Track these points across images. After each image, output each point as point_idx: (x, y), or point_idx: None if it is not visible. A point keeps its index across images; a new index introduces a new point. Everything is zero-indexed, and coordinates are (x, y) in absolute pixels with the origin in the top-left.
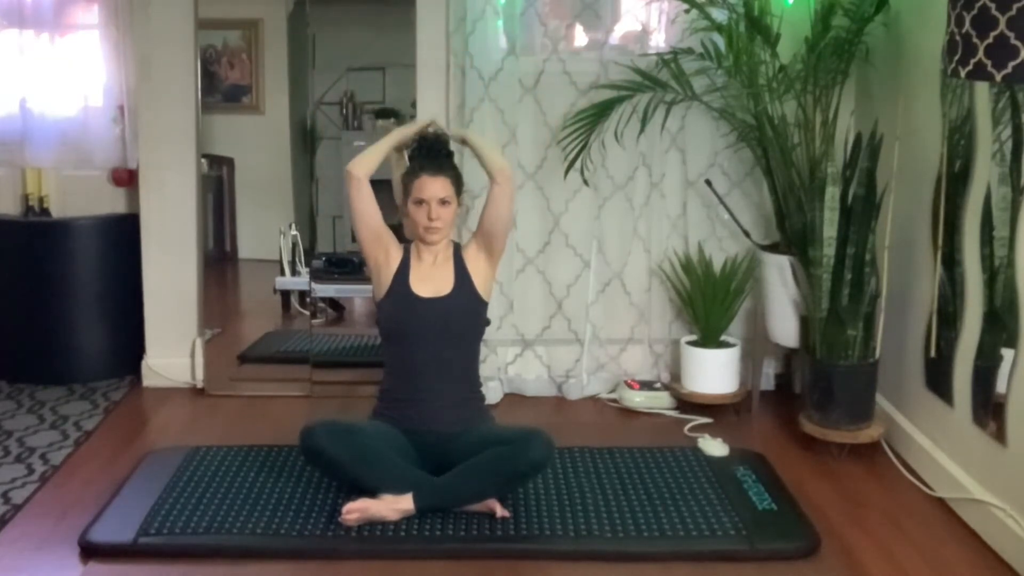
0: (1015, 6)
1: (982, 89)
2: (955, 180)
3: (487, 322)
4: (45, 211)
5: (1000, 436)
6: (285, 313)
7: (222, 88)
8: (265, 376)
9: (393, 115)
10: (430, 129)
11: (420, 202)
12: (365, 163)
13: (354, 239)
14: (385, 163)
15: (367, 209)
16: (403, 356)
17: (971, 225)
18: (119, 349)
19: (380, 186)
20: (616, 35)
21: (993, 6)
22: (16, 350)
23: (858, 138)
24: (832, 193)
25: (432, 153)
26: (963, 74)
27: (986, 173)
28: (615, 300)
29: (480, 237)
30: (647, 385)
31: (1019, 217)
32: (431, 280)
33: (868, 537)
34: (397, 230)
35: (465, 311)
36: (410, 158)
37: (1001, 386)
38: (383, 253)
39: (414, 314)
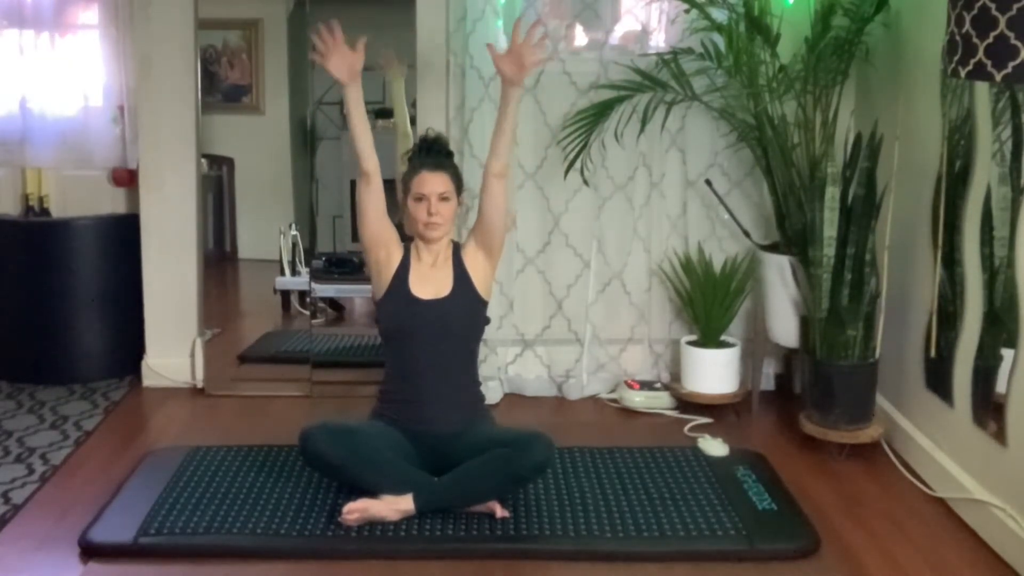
0: (1015, 6)
1: (982, 89)
2: (955, 180)
3: (487, 321)
4: (45, 211)
5: (1000, 436)
6: (285, 313)
7: (222, 88)
8: (265, 376)
9: (393, 115)
10: (430, 132)
11: (420, 198)
12: (363, 149)
13: (355, 238)
14: (392, 162)
15: (374, 203)
16: (403, 356)
17: (971, 225)
18: (119, 349)
19: (385, 186)
20: (616, 35)
21: (993, 6)
22: (16, 350)
23: (858, 138)
24: (832, 193)
25: (432, 151)
26: (963, 74)
27: (986, 173)
28: (615, 300)
29: (479, 232)
30: (647, 385)
31: (1019, 217)
32: (431, 281)
33: (868, 537)
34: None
35: (465, 312)
36: (410, 158)
37: (1001, 386)
38: (384, 251)
39: (413, 316)
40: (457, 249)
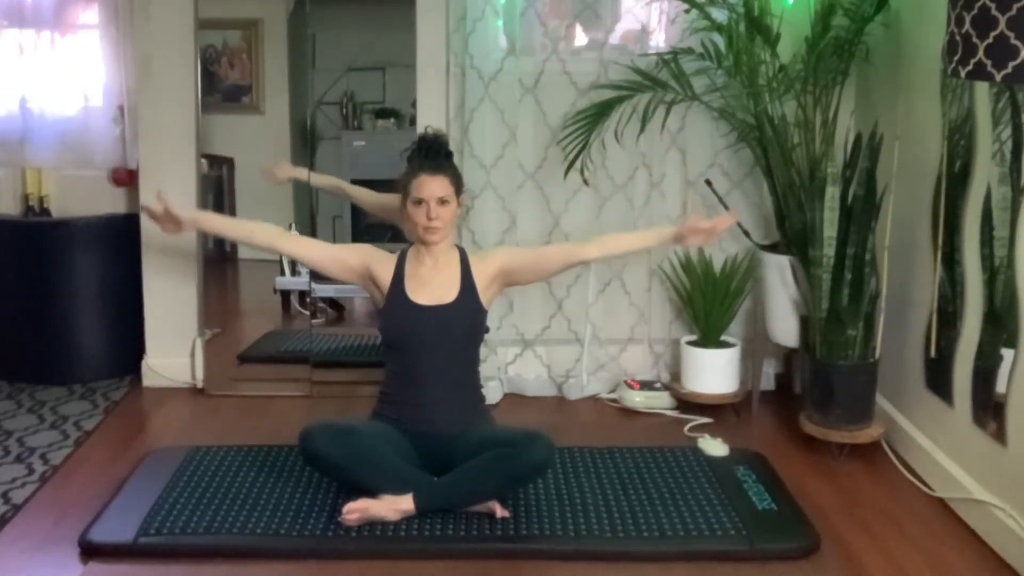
0: (1015, 6)
1: (982, 89)
2: (955, 180)
3: (487, 330)
4: (45, 211)
5: (1000, 436)
6: (285, 313)
7: (222, 88)
8: (265, 376)
9: (393, 115)
10: (428, 129)
11: (419, 202)
12: (258, 244)
13: (355, 238)
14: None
15: (309, 259)
16: (404, 361)
17: (971, 225)
18: (119, 349)
19: (371, 186)
20: (616, 35)
21: (993, 6)
22: (16, 350)
23: (858, 138)
24: (832, 193)
25: (431, 152)
26: (963, 74)
27: (986, 173)
28: (615, 300)
29: (521, 266)
30: (647, 385)
31: (1019, 217)
32: (431, 286)
33: (868, 537)
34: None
35: (466, 320)
36: (408, 158)
37: (1001, 386)
38: (367, 274)
39: (415, 324)
40: (465, 257)
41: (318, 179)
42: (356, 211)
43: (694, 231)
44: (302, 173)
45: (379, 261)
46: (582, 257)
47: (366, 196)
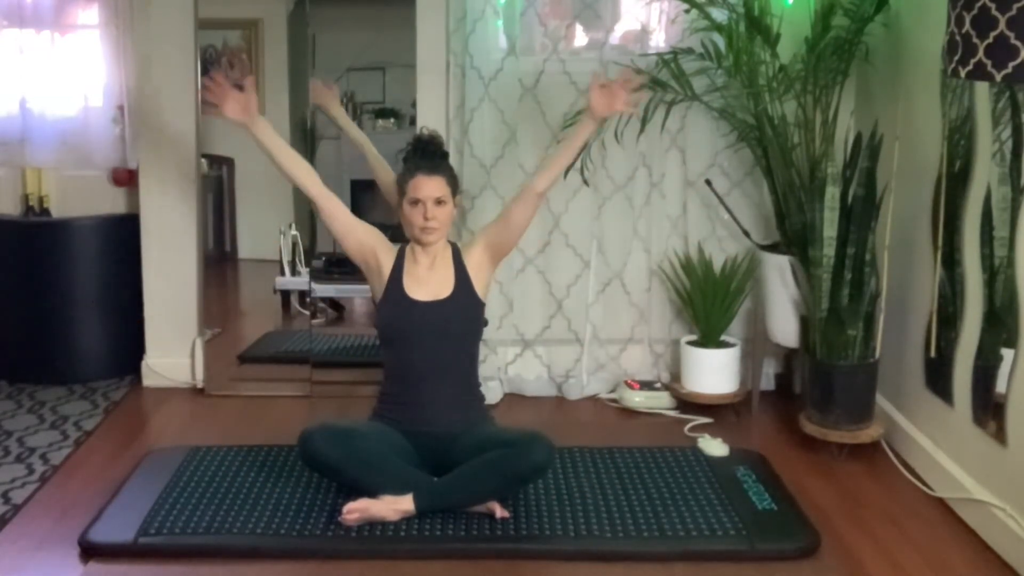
0: (1015, 6)
1: (982, 89)
2: (955, 180)
3: (485, 323)
4: (45, 211)
5: (1000, 436)
6: (285, 313)
7: None
8: (265, 376)
9: (393, 115)
10: (424, 130)
11: (415, 202)
12: (299, 182)
13: None
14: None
15: (335, 223)
16: (402, 359)
17: (971, 225)
18: (119, 349)
19: (370, 185)
20: (616, 35)
21: (993, 6)
22: (16, 350)
23: (858, 138)
24: (832, 193)
25: (427, 153)
26: (963, 74)
27: (986, 173)
28: (615, 300)
29: (496, 234)
30: (647, 385)
31: (1019, 217)
32: (428, 283)
33: (868, 537)
34: (397, 230)
35: (464, 314)
36: (404, 159)
37: (1001, 386)
38: (372, 259)
39: (412, 319)
40: (457, 251)
41: (347, 123)
42: (356, 209)
43: (600, 95)
44: (339, 112)
45: (385, 248)
46: (534, 190)
47: (383, 171)
